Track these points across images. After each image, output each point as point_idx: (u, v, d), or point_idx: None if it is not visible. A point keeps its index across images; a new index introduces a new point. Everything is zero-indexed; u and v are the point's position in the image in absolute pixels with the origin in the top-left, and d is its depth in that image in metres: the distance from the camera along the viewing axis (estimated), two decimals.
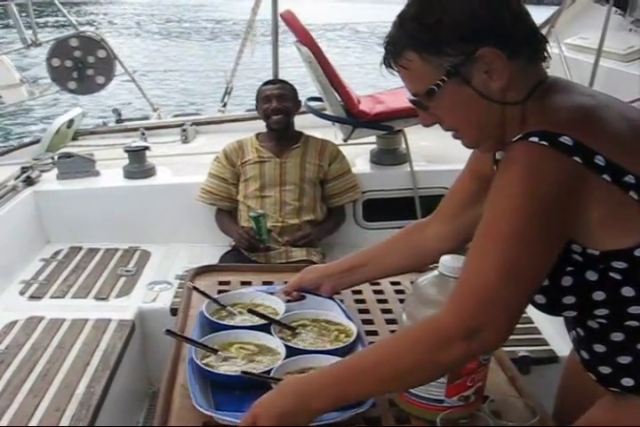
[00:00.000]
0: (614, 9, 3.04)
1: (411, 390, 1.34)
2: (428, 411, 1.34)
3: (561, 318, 1.44)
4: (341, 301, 1.77)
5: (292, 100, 3.34)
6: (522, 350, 2.56)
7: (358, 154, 3.87)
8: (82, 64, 4.84)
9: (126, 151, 3.67)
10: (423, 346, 1.15)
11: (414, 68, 1.19)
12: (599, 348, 1.30)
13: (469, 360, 1.16)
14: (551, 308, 1.26)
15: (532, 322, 2.79)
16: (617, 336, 1.26)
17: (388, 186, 3.67)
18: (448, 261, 1.31)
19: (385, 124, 3.44)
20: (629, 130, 1.19)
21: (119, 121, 4.99)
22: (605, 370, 1.31)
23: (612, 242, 1.16)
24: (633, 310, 1.21)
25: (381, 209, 3.68)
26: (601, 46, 2.74)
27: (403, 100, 3.54)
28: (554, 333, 2.67)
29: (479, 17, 1.14)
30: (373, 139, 3.80)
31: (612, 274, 1.18)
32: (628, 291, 1.19)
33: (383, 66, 1.25)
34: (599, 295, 1.20)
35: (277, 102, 3.26)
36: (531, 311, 2.80)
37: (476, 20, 1.14)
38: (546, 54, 1.22)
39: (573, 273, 1.20)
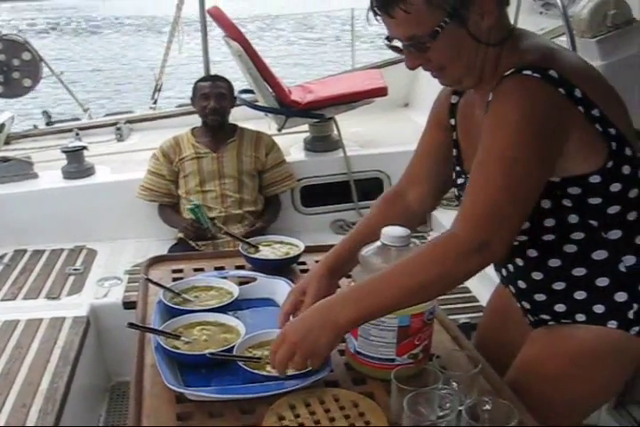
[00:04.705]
0: None
1: (363, 352, 1.45)
2: (382, 370, 1.44)
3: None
4: (291, 280, 1.86)
5: (229, 98, 3.41)
6: (462, 318, 2.71)
7: (292, 143, 3.99)
8: (7, 67, 4.80)
9: (64, 152, 3.69)
10: (445, 259, 1.27)
11: (416, 11, 1.26)
12: (537, 275, 1.46)
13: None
14: None
15: (469, 291, 2.95)
16: (554, 262, 1.42)
17: (324, 172, 3.80)
18: (389, 232, 1.42)
19: (316, 113, 3.57)
20: (592, 69, 1.38)
21: (49, 123, 4.96)
22: (540, 297, 1.49)
23: (575, 169, 1.32)
24: (575, 235, 1.38)
25: (318, 194, 3.82)
26: None
27: (331, 88, 3.72)
28: None
29: None
30: (306, 127, 3.91)
31: (564, 201, 1.35)
32: (573, 218, 1.36)
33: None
34: (549, 222, 1.37)
35: (216, 102, 3.33)
36: (468, 281, 2.99)
37: None
38: None
39: None
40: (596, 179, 1.32)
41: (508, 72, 1.30)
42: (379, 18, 1.33)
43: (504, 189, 1.26)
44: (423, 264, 1.28)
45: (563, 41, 2.54)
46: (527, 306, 1.54)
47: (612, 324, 1.43)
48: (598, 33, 2.48)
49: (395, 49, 1.38)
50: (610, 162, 1.32)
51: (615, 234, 1.39)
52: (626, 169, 1.34)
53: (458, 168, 1.58)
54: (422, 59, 1.35)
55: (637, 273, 1.43)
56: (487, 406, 1.25)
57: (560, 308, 1.47)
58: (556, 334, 1.50)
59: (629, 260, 1.42)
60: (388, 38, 1.37)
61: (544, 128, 1.26)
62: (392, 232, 1.43)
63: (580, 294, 1.44)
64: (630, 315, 1.43)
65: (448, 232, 1.30)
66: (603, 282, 1.42)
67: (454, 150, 1.58)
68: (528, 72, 1.27)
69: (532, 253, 1.44)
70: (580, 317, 1.45)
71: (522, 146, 1.25)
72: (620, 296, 1.42)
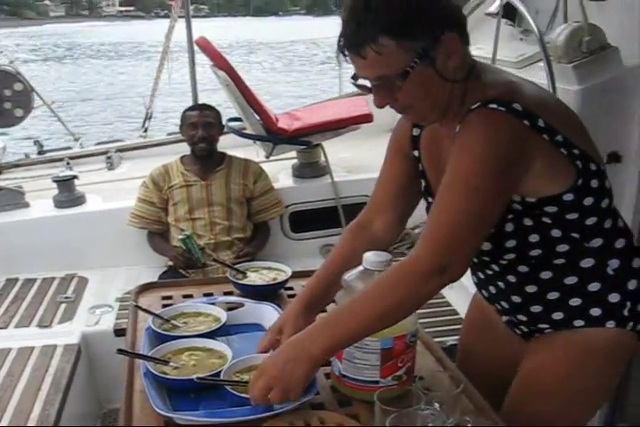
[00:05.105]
0: (505, 20, 3.28)
1: (347, 375, 1.49)
2: (367, 392, 1.46)
3: None
4: (278, 305, 1.89)
5: (217, 127, 3.47)
6: (450, 340, 2.74)
7: (281, 169, 4.05)
8: None
9: (55, 181, 3.74)
10: (405, 285, 1.32)
11: (387, 52, 1.30)
12: (531, 288, 1.52)
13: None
14: (495, 253, 1.48)
15: (457, 313, 2.98)
16: (546, 275, 1.49)
17: (312, 198, 3.86)
18: (371, 257, 1.47)
19: (303, 140, 3.64)
20: (551, 98, 1.48)
21: (41, 152, 5.01)
22: (537, 309, 1.54)
23: (547, 189, 1.39)
24: (560, 248, 1.46)
25: (307, 220, 3.87)
26: (495, 55, 2.98)
27: (318, 116, 3.78)
28: None
29: (443, 5, 1.34)
30: (294, 154, 3.97)
31: (544, 219, 1.41)
32: (556, 232, 1.43)
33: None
34: (534, 238, 1.44)
35: (204, 130, 3.39)
36: (455, 304, 3.01)
37: (441, 9, 1.33)
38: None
39: (513, 220, 1.42)
40: (569, 197, 1.40)
41: (475, 106, 1.35)
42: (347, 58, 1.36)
43: (464, 215, 1.31)
44: (385, 290, 1.33)
45: (541, 66, 2.61)
46: (523, 318, 1.59)
47: (611, 324, 1.50)
48: (574, 58, 2.54)
49: (361, 88, 1.41)
50: (579, 180, 1.39)
51: (597, 242, 1.48)
52: (594, 183, 1.42)
53: (430, 199, 1.61)
54: (390, 97, 1.38)
55: (625, 274, 1.50)
56: (469, 425, 1.28)
57: (558, 315, 1.52)
58: (556, 343, 1.55)
59: (614, 263, 1.50)
60: (355, 77, 1.40)
61: (507, 160, 1.31)
62: (373, 257, 1.47)
63: (575, 301, 1.50)
64: (625, 313, 1.50)
65: (410, 255, 1.35)
66: (594, 287, 1.49)
67: (422, 182, 1.62)
68: (494, 106, 1.32)
69: (523, 268, 1.50)
70: (579, 322, 1.51)
71: (485, 176, 1.30)
72: (614, 297, 1.49)
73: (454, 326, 2.88)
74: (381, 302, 1.32)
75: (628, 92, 2.57)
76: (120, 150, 4.72)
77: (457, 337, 2.74)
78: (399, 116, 1.59)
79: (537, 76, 2.48)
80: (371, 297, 1.34)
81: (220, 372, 1.52)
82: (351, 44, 1.33)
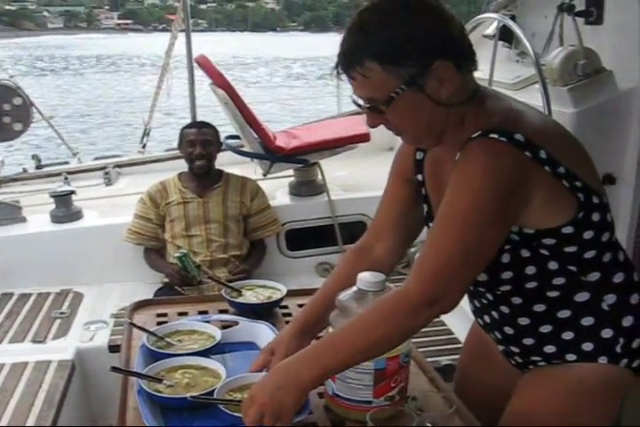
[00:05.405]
0: (502, 42, 3.33)
1: (340, 394, 1.49)
2: (360, 412, 1.46)
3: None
4: (273, 324, 1.90)
5: (215, 144, 3.49)
6: (445, 360, 2.75)
7: (278, 187, 4.06)
8: None
9: (52, 196, 3.75)
10: (394, 316, 1.32)
11: (374, 76, 1.30)
12: (523, 321, 1.50)
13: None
14: (491, 284, 1.46)
15: (452, 333, 2.99)
16: (539, 307, 1.47)
17: (309, 216, 3.87)
18: (365, 278, 1.48)
19: (301, 158, 3.66)
20: (555, 127, 1.44)
21: (39, 167, 5.03)
22: (529, 341, 1.52)
23: (547, 222, 1.36)
24: (556, 281, 1.43)
25: (303, 238, 3.87)
26: (491, 77, 3.02)
27: (315, 134, 3.81)
28: None
29: (436, 33, 1.30)
30: (291, 172, 3.99)
31: (541, 250, 1.39)
32: (553, 265, 1.41)
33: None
34: (531, 270, 1.42)
35: (202, 148, 3.40)
36: (450, 324, 3.02)
37: (433, 36, 1.30)
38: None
39: (510, 251, 1.39)
40: (568, 229, 1.37)
41: (475, 135, 1.33)
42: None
43: (457, 250, 1.30)
44: (374, 322, 1.33)
45: (537, 89, 2.64)
46: (516, 350, 1.56)
47: (603, 359, 1.47)
48: (569, 81, 2.58)
49: (360, 106, 1.41)
50: (580, 213, 1.37)
51: (594, 276, 1.45)
52: (595, 216, 1.39)
53: (431, 224, 1.54)
54: (381, 119, 1.38)
55: (620, 310, 1.48)
56: None
57: (550, 349, 1.50)
58: (549, 377, 1.53)
59: (610, 298, 1.47)
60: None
61: (506, 192, 1.29)
62: (368, 277, 1.48)
63: (567, 335, 1.47)
64: (618, 349, 1.47)
65: (401, 287, 1.35)
66: (588, 321, 1.47)
67: (425, 206, 1.60)
68: (495, 135, 1.29)
69: (517, 300, 1.48)
70: (571, 356, 1.48)
71: (482, 210, 1.29)
72: (607, 333, 1.47)
73: (448, 346, 2.89)
74: (372, 333, 1.32)
75: (622, 114, 2.60)
76: (118, 166, 4.74)
77: (451, 357, 2.77)
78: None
79: (533, 98, 2.51)
80: (362, 327, 1.34)
81: (213, 390, 1.53)
82: (342, 64, 1.35)
